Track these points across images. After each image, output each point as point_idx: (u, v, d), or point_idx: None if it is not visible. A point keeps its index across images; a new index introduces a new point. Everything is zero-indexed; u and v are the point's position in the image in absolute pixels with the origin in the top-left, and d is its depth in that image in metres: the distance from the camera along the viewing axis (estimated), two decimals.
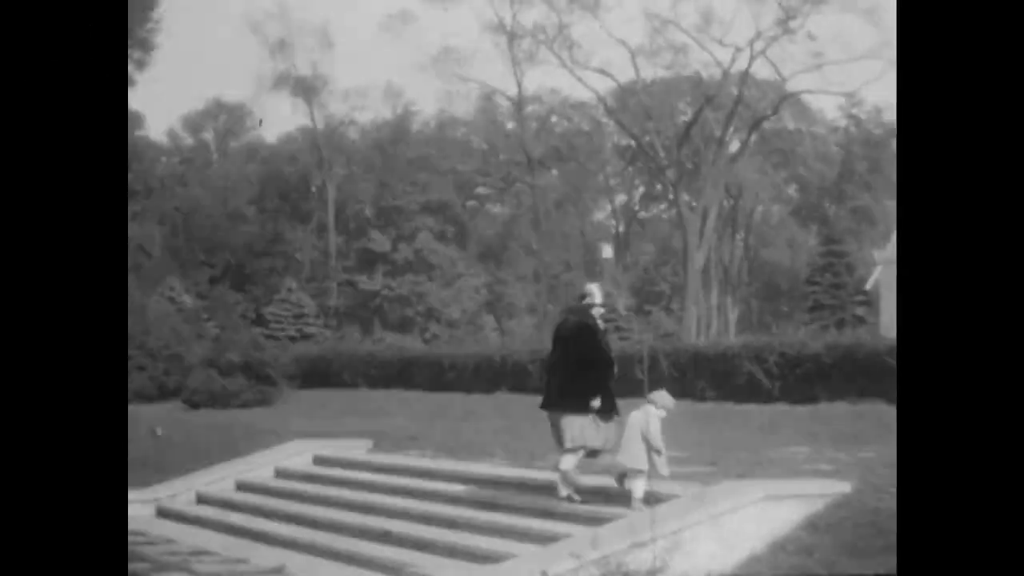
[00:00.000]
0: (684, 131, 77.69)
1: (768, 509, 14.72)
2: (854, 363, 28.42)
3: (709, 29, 74.89)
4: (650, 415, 15.83)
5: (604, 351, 16.47)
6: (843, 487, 15.48)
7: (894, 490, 15.59)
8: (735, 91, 74.43)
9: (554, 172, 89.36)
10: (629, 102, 79.62)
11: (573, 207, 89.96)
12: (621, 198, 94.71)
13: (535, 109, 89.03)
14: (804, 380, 29.28)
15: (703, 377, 31.82)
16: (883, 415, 25.48)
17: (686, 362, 32.69)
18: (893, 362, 27.39)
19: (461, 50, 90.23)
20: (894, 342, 28.74)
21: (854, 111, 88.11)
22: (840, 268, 65.78)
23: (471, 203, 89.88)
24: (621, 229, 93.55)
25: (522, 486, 18.15)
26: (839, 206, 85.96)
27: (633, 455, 15.67)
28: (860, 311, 62.23)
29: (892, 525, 13.94)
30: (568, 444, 16.07)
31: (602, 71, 78.64)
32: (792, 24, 73.32)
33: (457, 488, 18.90)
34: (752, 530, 14.46)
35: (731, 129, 76.98)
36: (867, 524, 14.17)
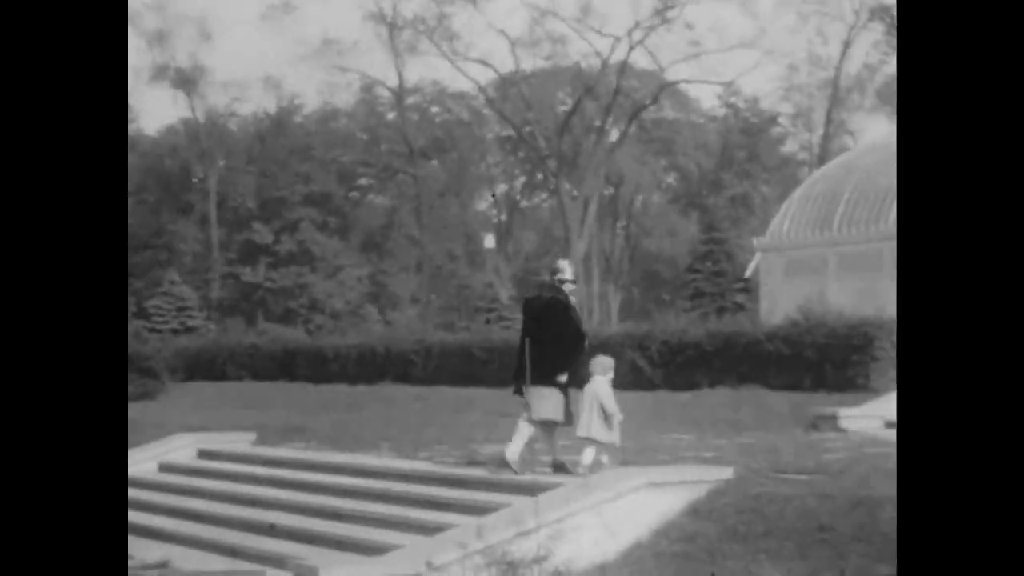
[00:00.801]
0: (564, 121, 77.96)
1: (651, 496, 14.90)
2: (734, 350, 28.78)
3: (588, 19, 75.48)
4: (599, 384, 16.29)
5: (576, 326, 16.87)
6: (725, 473, 15.70)
7: (774, 475, 15.86)
8: (614, 81, 74.80)
9: (435, 162, 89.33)
10: (509, 92, 79.80)
11: (455, 197, 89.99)
12: (502, 188, 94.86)
13: (416, 100, 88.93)
14: (686, 367, 29.60)
15: (585, 365, 32.01)
16: (763, 401, 25.84)
17: None
18: (772, 348, 27.78)
19: (342, 41, 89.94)
20: (773, 328, 29.12)
21: (732, 100, 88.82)
22: (720, 256, 66.33)
23: (353, 194, 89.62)
24: (503, 219, 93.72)
25: (408, 477, 18.22)
26: (718, 194, 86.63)
27: (585, 425, 16.12)
28: (740, 298, 62.84)
29: (772, 509, 14.19)
30: (550, 416, 16.47)
31: (482, 62, 78.84)
32: (669, 14, 73.88)
33: (343, 480, 18.95)
34: (635, 517, 14.63)
35: (611, 119, 77.38)
36: (749, 510, 14.38)
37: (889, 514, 13.30)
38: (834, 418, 22.76)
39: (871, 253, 46.38)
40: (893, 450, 18.43)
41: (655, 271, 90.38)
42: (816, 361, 27.04)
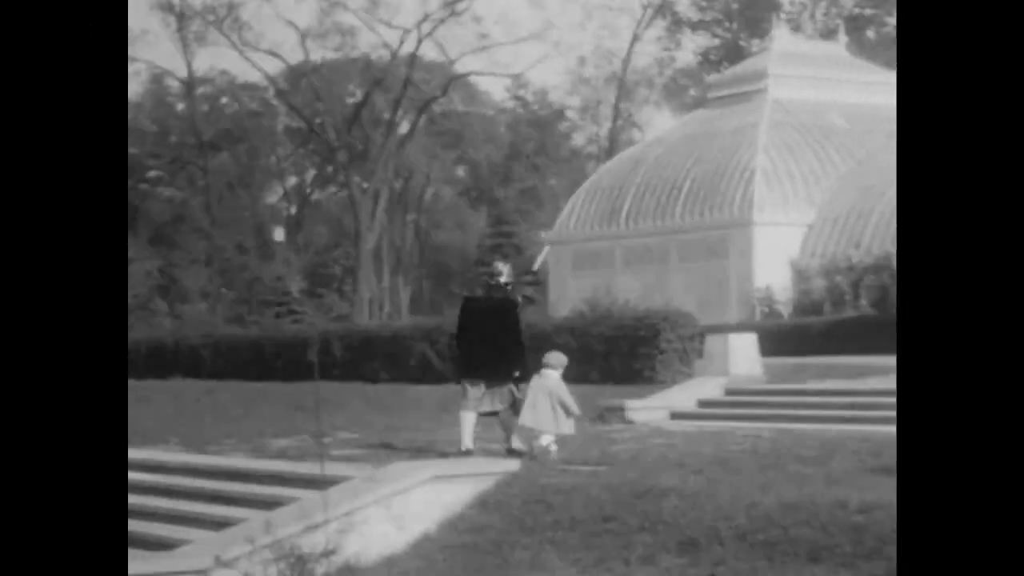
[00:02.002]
0: (354, 113, 77.78)
1: (439, 489, 15.00)
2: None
3: (377, 11, 75.24)
4: (553, 379, 17.01)
5: (521, 325, 17.72)
6: (512, 465, 15.87)
7: (561, 466, 16.06)
8: (404, 73, 74.80)
9: (226, 154, 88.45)
10: (299, 84, 79.37)
11: (245, 189, 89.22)
12: (293, 180, 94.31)
13: (206, 90, 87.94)
14: None
15: (376, 359, 32.09)
16: None
17: (359, 344, 32.91)
18: (559, 340, 28.06)
19: (130, 30, 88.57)
20: (561, 321, 29.44)
21: (520, 93, 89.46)
22: (509, 249, 66.80)
23: (142, 186, 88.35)
24: (293, 211, 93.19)
25: (196, 471, 18.10)
26: (507, 188, 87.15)
27: (541, 418, 16.77)
28: (529, 291, 63.28)
29: (559, 500, 14.38)
30: (496, 408, 17.14)
31: (272, 53, 78.25)
32: (458, 6, 74.14)
33: (130, 475, 18.74)
34: (424, 510, 14.72)
35: (400, 111, 77.37)
36: (535, 501, 14.54)
37: (673, 503, 13.57)
38: (621, 410, 23.10)
39: (658, 246, 47.09)
40: (678, 441, 18.80)
41: (445, 264, 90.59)
42: (603, 353, 27.38)
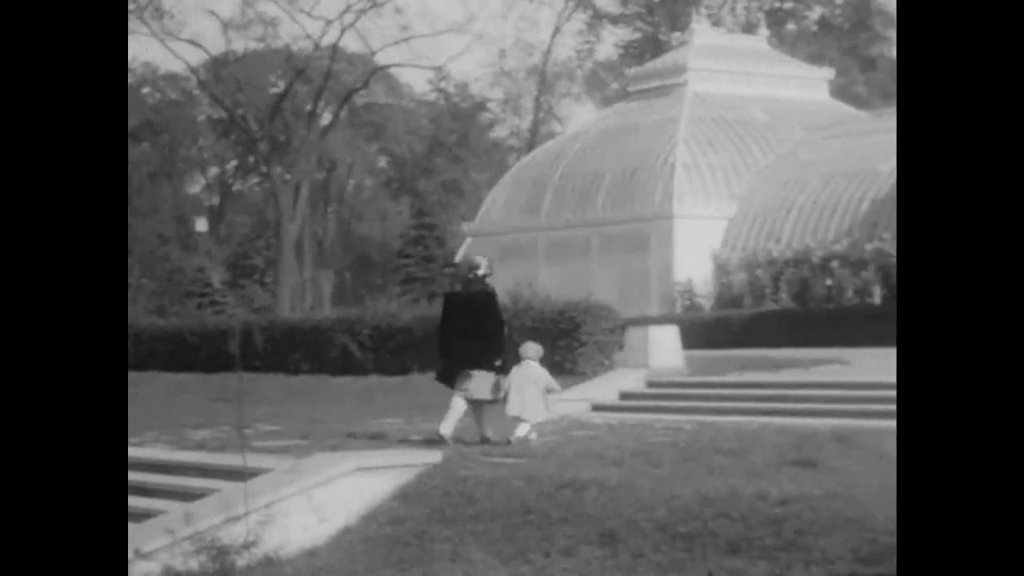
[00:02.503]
0: (276, 104, 77.40)
1: (361, 481, 15.02)
2: None
3: (299, 2, 74.82)
4: (534, 367, 17.78)
5: (502, 315, 18.45)
6: (433, 457, 15.90)
7: (483, 458, 16.12)
8: (326, 64, 74.52)
9: (147, 144, 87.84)
10: (221, 74, 78.87)
11: (167, 179, 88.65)
12: (214, 171, 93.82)
13: (127, 80, 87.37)
14: (396, 352, 29.78)
15: (298, 350, 32.01)
16: None
17: (281, 336, 32.81)
18: None
19: None
20: None
21: (442, 85, 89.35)
22: (431, 241, 66.78)
23: None
24: (215, 202, 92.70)
25: None
26: (429, 179, 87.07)
27: (527, 406, 17.53)
28: (450, 283, 63.28)
29: (480, 492, 14.43)
30: (480, 397, 17.75)
31: (194, 42, 77.71)
32: None
33: None
34: (345, 502, 14.72)
35: (322, 102, 77.07)
36: (456, 492, 14.59)
37: (594, 495, 13.63)
38: None
39: (579, 238, 47.20)
40: (599, 433, 18.89)
41: (367, 256, 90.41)
42: None
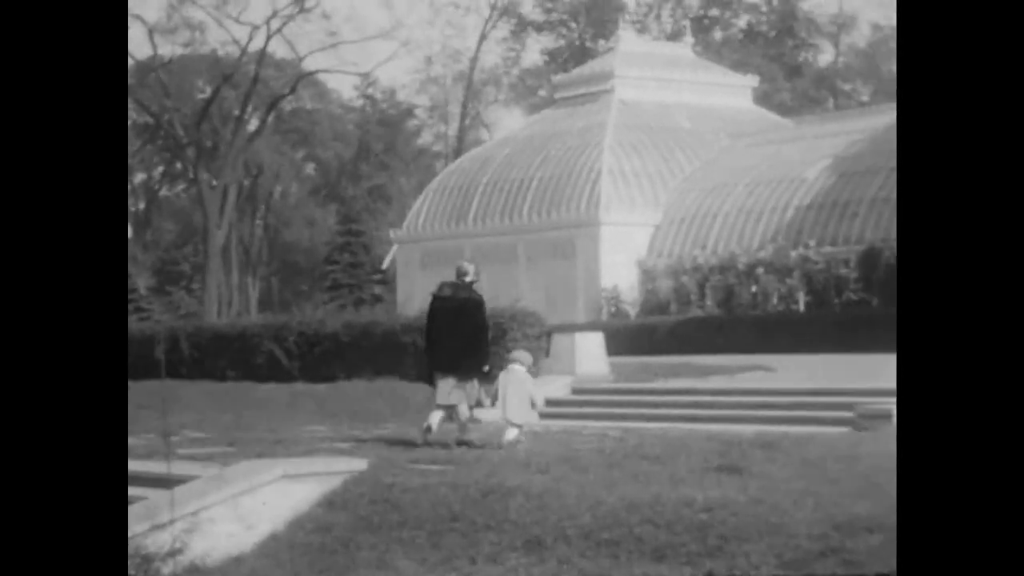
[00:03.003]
0: (203, 109, 77.11)
1: (287, 488, 14.98)
2: (371, 341, 29.03)
3: (226, 7, 74.59)
4: (521, 374, 18.20)
5: (487, 322, 18.86)
6: (359, 464, 15.89)
7: (409, 465, 16.13)
8: (253, 70, 74.33)
9: None
10: (148, 79, 78.50)
11: None
12: (141, 176, 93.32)
13: None
14: (323, 359, 29.72)
15: (224, 357, 31.88)
16: (399, 392, 26.16)
17: (207, 342, 32.67)
18: (408, 339, 28.10)
19: None
20: (410, 320, 29.47)
21: (369, 91, 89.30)
22: (358, 247, 66.72)
23: None
24: (141, 208, 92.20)
25: None
26: (356, 186, 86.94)
27: (515, 410, 17.98)
28: (377, 290, 63.30)
29: (407, 499, 14.44)
30: (471, 402, 18.35)
31: None
32: (307, 3, 73.69)
33: None
34: (271, 509, 14.69)
35: (249, 108, 76.85)
36: (382, 500, 14.58)
37: (519, 502, 13.68)
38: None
39: (505, 245, 47.29)
40: (525, 439, 18.93)
41: (294, 262, 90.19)
42: None
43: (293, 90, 78.87)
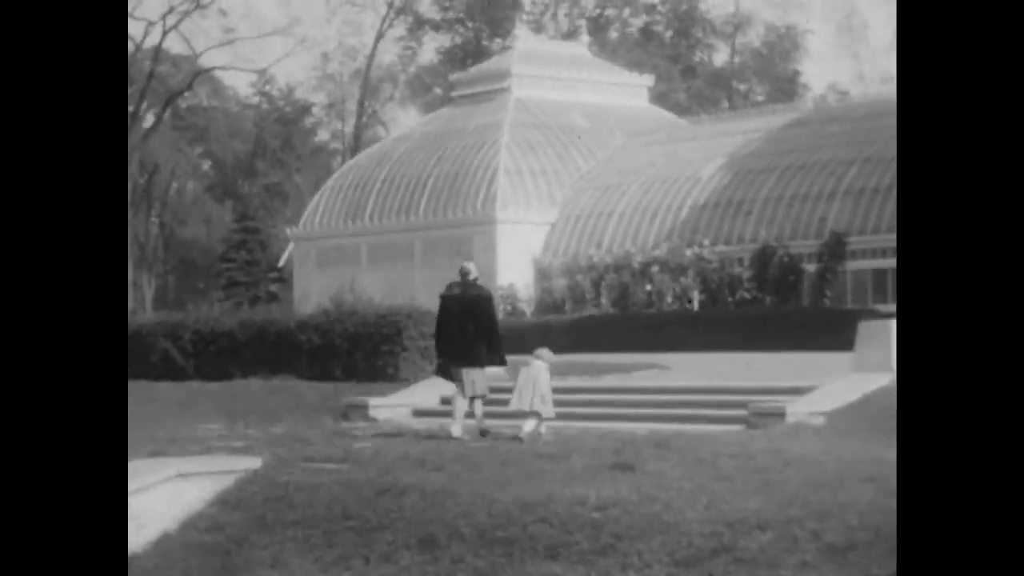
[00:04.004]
0: None
1: (180, 487, 14.91)
2: (267, 339, 28.93)
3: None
4: (540, 369, 19.14)
5: (496, 316, 20.56)
6: (253, 463, 15.84)
7: (304, 464, 16.10)
8: (148, 66, 73.72)
9: None
10: None
11: None
12: None
13: None
14: (218, 357, 29.58)
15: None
16: (295, 390, 26.10)
17: None
18: (304, 338, 28.03)
19: None
20: (305, 318, 29.40)
21: (266, 88, 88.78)
22: (254, 245, 66.26)
23: None
24: None
25: None
26: (253, 183, 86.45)
27: (529, 400, 18.84)
28: (274, 288, 62.93)
29: (301, 498, 14.42)
30: (480, 392, 19.47)
31: None
32: None
33: None
34: (164, 509, 14.61)
35: (145, 104, 76.21)
36: (276, 498, 14.56)
37: (414, 501, 13.70)
38: (364, 407, 23.21)
39: (402, 243, 47.24)
40: (420, 438, 18.97)
41: (190, 260, 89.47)
42: (347, 351, 27.42)
43: (190, 87, 78.30)
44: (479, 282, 20.48)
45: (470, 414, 19.50)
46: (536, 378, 19.04)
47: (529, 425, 18.82)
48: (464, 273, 20.26)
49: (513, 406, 19.08)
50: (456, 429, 19.08)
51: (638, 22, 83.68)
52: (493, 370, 19.80)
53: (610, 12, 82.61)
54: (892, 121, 39.64)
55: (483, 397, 19.58)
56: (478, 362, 19.53)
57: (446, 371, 19.99)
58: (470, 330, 19.61)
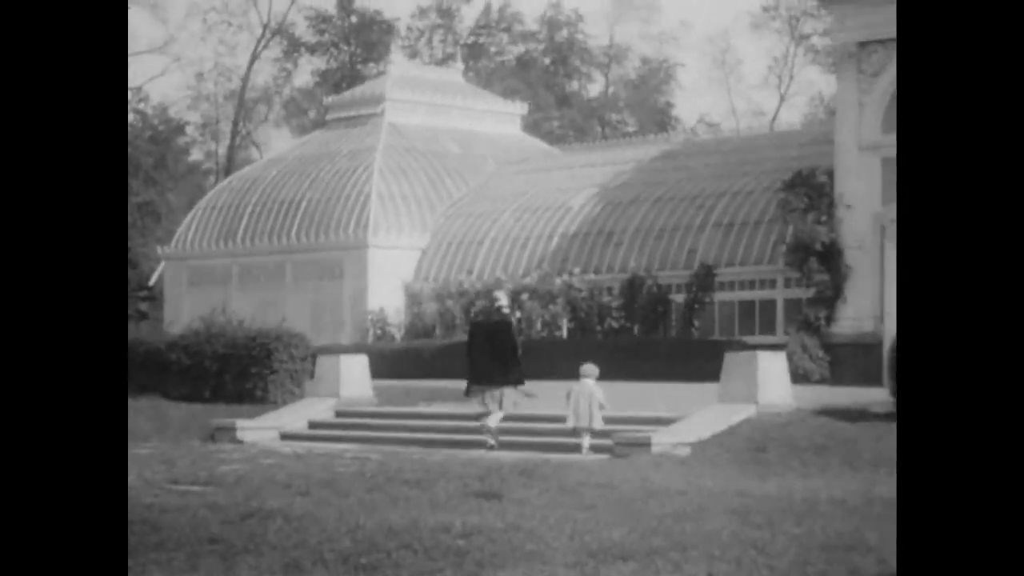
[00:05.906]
0: None
1: None
2: (135, 359, 28.67)
3: None
4: (590, 385, 21.05)
5: (518, 340, 23.15)
6: None
7: (168, 486, 16.05)
8: None
9: None
10: None
11: None
12: None
13: None
14: None
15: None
16: (162, 411, 25.95)
17: None
18: (173, 357, 27.87)
19: None
20: (175, 338, 29.25)
21: (140, 106, 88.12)
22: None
23: None
24: None
25: None
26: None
27: (586, 417, 20.76)
28: (144, 307, 62.39)
29: (165, 520, 14.36)
30: (510, 409, 21.80)
31: None
32: None
33: None
34: None
35: None
36: (140, 520, 14.41)
37: (279, 525, 13.71)
38: (232, 429, 23.17)
39: (273, 265, 47.09)
40: (287, 462, 18.96)
41: None
42: (216, 372, 27.34)
43: None
44: (504, 310, 23.15)
45: (479, 417, 21.76)
46: (590, 395, 20.85)
47: (587, 441, 20.60)
48: (493, 300, 23.40)
49: (570, 423, 20.87)
50: (490, 440, 21.38)
51: (517, 49, 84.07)
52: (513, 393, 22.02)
53: (485, 40, 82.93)
54: (762, 155, 40.43)
55: (506, 412, 21.76)
56: (498, 382, 21.85)
57: (474, 391, 22.16)
58: (493, 353, 22.07)
